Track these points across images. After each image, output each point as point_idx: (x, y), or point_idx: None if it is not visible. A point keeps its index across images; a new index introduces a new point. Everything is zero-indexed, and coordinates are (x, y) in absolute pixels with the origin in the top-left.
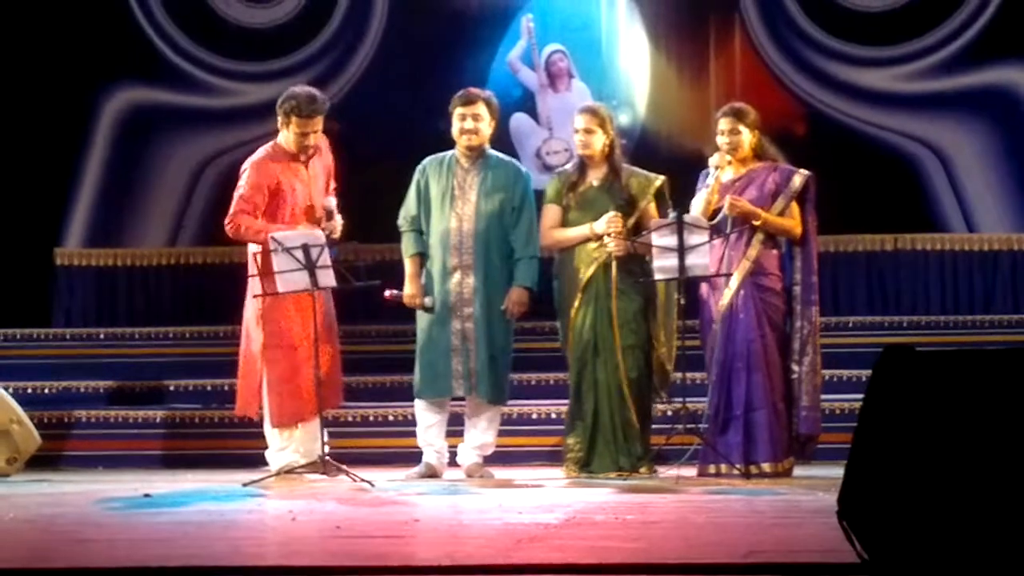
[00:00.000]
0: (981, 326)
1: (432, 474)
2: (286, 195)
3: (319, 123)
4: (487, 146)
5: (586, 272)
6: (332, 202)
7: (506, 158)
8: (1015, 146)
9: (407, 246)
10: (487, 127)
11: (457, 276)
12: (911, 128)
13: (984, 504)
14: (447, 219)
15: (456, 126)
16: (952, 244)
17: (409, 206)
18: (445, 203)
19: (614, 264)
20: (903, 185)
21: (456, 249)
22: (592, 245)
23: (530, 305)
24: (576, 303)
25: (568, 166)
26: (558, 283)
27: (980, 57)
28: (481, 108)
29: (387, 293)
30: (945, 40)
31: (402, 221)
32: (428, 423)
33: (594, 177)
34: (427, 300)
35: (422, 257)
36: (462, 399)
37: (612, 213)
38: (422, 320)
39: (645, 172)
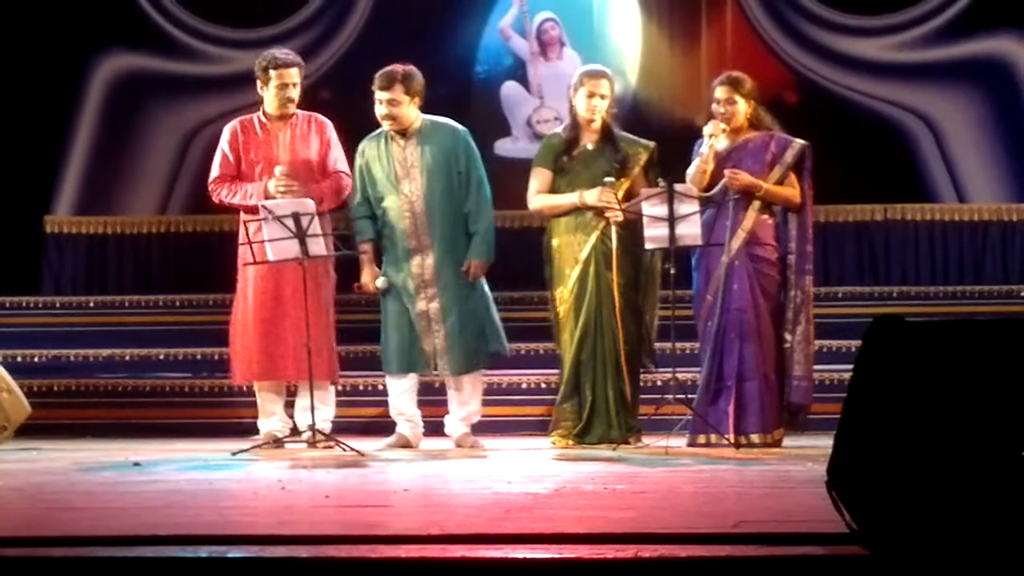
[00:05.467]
0: (971, 296)
1: (405, 444)
2: (253, 163)
3: (296, 74)
4: (415, 122)
5: (585, 243)
6: (280, 169)
7: (440, 121)
8: (1006, 116)
9: (359, 233)
10: (407, 109)
11: (417, 258)
12: (902, 98)
13: (973, 474)
14: (396, 201)
15: (376, 110)
16: (942, 214)
17: (355, 193)
18: (390, 184)
19: (614, 234)
20: (894, 155)
21: (412, 232)
22: (589, 215)
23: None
24: (575, 275)
25: (558, 129)
26: (551, 254)
27: (971, 27)
28: (398, 92)
29: (356, 286)
30: (936, 10)
31: (352, 208)
32: (398, 392)
33: (588, 141)
34: (379, 282)
35: (373, 243)
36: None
37: (604, 185)
38: (385, 303)
39: (637, 138)
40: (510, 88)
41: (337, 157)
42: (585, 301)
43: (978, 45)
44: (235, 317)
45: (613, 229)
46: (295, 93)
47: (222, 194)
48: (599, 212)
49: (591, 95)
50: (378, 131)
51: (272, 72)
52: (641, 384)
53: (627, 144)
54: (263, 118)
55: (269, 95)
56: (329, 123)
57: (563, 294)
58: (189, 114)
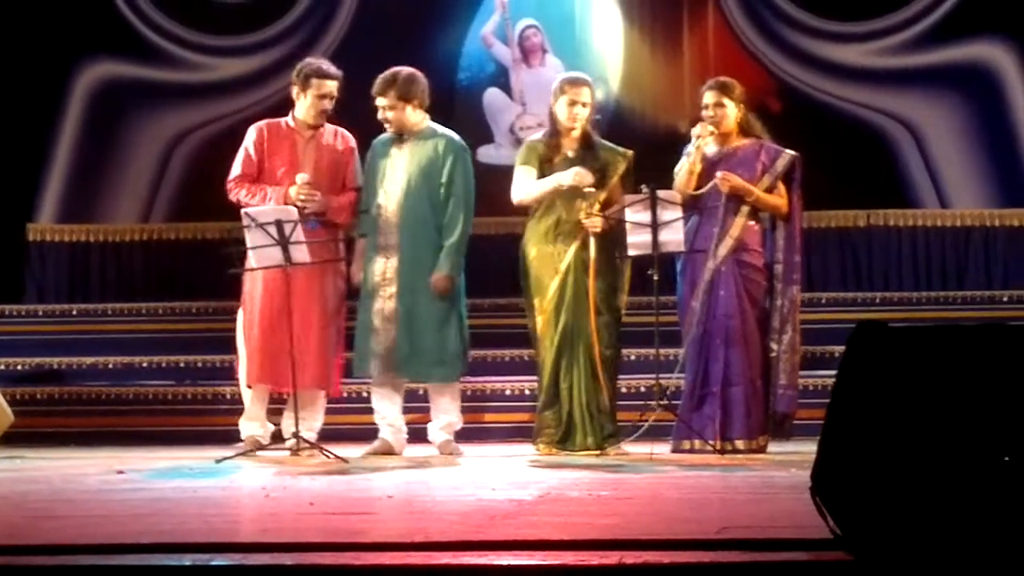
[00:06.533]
0: (954, 302)
1: (388, 451)
2: (276, 167)
3: (335, 87)
4: (418, 125)
5: (565, 253)
6: (302, 177)
7: (441, 130)
8: (988, 122)
9: (357, 227)
10: (404, 113)
11: (382, 257)
12: (884, 103)
13: (956, 479)
14: (379, 199)
15: (378, 113)
16: (925, 220)
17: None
18: (381, 182)
19: (592, 243)
20: (876, 161)
21: (384, 229)
22: (569, 224)
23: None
24: (555, 285)
25: (538, 136)
26: (529, 263)
27: (953, 32)
28: (392, 97)
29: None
30: (918, 15)
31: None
32: (380, 398)
33: (568, 148)
34: (360, 276)
35: (364, 237)
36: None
37: (587, 198)
38: (360, 301)
39: (615, 146)
40: (492, 95)
41: (357, 172)
42: (564, 310)
43: (960, 51)
44: (246, 319)
45: (592, 238)
46: (331, 105)
47: (240, 194)
48: (578, 221)
49: (572, 103)
50: (388, 134)
51: (313, 81)
52: (625, 391)
53: (606, 152)
54: (292, 123)
55: (305, 103)
56: (353, 139)
57: (542, 304)
58: (172, 121)
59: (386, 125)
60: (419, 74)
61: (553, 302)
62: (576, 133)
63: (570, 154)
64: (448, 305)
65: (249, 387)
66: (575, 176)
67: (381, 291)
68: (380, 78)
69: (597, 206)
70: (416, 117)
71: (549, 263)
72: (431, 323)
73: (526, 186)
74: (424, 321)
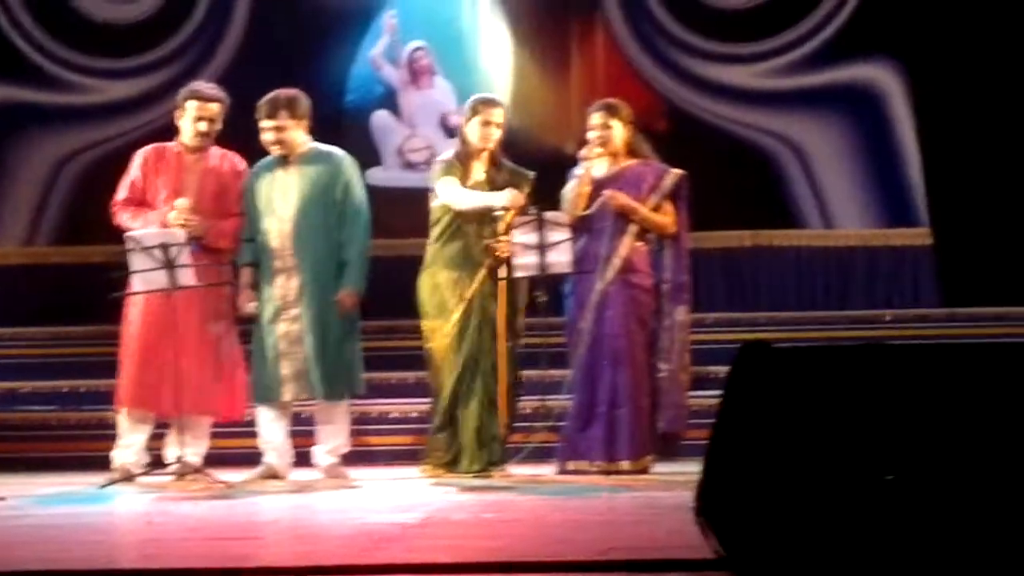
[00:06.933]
0: (837, 322)
1: (273, 475)
2: (158, 191)
3: (215, 110)
4: (304, 146)
5: (473, 279)
6: (181, 202)
7: (327, 149)
8: (873, 143)
9: (240, 256)
10: (294, 133)
11: (281, 279)
12: (770, 125)
13: (839, 498)
14: (269, 223)
15: (263, 137)
16: (809, 240)
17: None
18: (268, 207)
19: (501, 268)
20: (762, 181)
21: (279, 252)
22: (477, 249)
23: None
24: (460, 310)
25: (449, 156)
26: (432, 286)
27: (839, 54)
28: (284, 118)
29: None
30: (804, 37)
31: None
32: (266, 421)
33: (478, 170)
34: (250, 307)
35: (251, 266)
36: (312, 401)
37: (514, 191)
38: (255, 328)
39: (519, 168)
40: (381, 117)
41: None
42: (467, 336)
43: (846, 72)
44: (123, 342)
45: (500, 263)
46: (211, 128)
47: (123, 217)
48: (486, 247)
49: (486, 123)
50: (269, 158)
51: (189, 104)
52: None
53: (512, 174)
54: (177, 147)
55: (186, 126)
56: (242, 162)
57: (445, 328)
58: (57, 144)
59: (273, 148)
60: (302, 94)
61: (457, 328)
62: (485, 154)
63: (480, 175)
64: (351, 322)
65: (117, 411)
66: (511, 199)
67: (284, 314)
68: (265, 101)
69: (519, 201)
70: (303, 138)
71: (455, 288)
72: (338, 341)
73: (460, 194)
74: (333, 339)
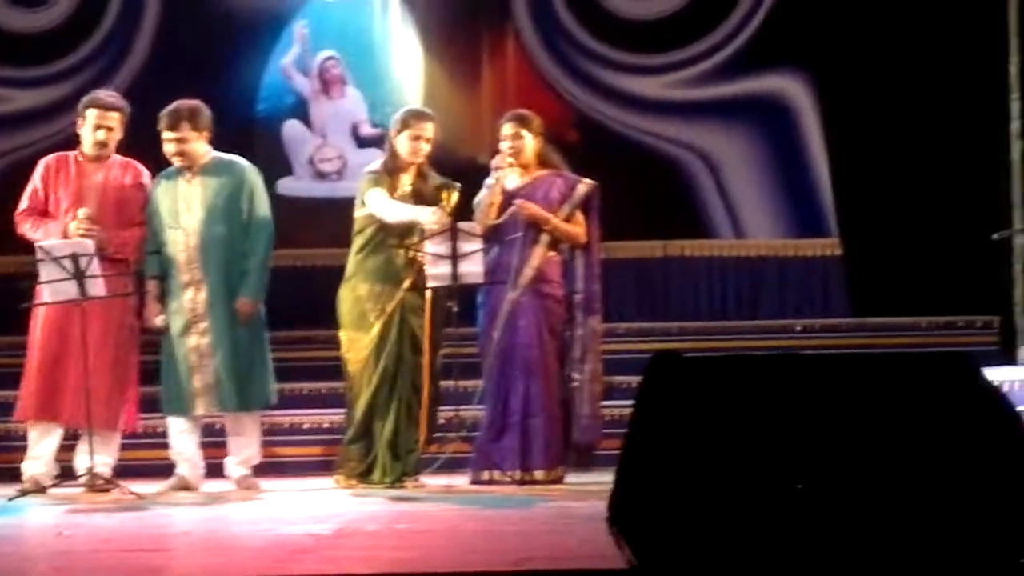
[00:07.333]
0: (748, 332)
1: (185, 486)
2: (60, 200)
3: (114, 119)
4: (206, 156)
5: (395, 293)
6: (82, 212)
7: (228, 159)
8: (782, 153)
9: (146, 269)
10: (196, 145)
11: (190, 292)
12: (681, 135)
13: (751, 507)
14: (174, 235)
15: (165, 148)
16: (721, 250)
17: (148, 229)
18: (172, 219)
19: (421, 280)
20: (673, 192)
21: (186, 265)
22: (401, 262)
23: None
24: (380, 322)
25: (376, 167)
26: (353, 298)
27: (749, 65)
28: (186, 130)
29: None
30: (713, 48)
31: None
32: (177, 433)
33: (406, 183)
34: (159, 320)
35: (159, 279)
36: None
37: (438, 209)
38: (164, 340)
39: (445, 179)
40: (292, 127)
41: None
42: (387, 347)
43: (756, 83)
44: (28, 352)
45: (423, 275)
46: (109, 136)
47: (25, 227)
48: (411, 260)
49: (416, 138)
50: (171, 168)
51: (89, 112)
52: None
53: (438, 185)
54: (79, 157)
55: (85, 134)
56: (146, 172)
57: (363, 340)
58: None
59: (176, 159)
60: (204, 105)
61: (375, 341)
62: (414, 167)
63: (407, 187)
64: (256, 332)
65: (22, 421)
66: (437, 219)
67: (194, 327)
68: (167, 112)
69: (443, 218)
70: (204, 148)
71: (376, 302)
72: (248, 352)
73: (388, 206)
74: (243, 351)
